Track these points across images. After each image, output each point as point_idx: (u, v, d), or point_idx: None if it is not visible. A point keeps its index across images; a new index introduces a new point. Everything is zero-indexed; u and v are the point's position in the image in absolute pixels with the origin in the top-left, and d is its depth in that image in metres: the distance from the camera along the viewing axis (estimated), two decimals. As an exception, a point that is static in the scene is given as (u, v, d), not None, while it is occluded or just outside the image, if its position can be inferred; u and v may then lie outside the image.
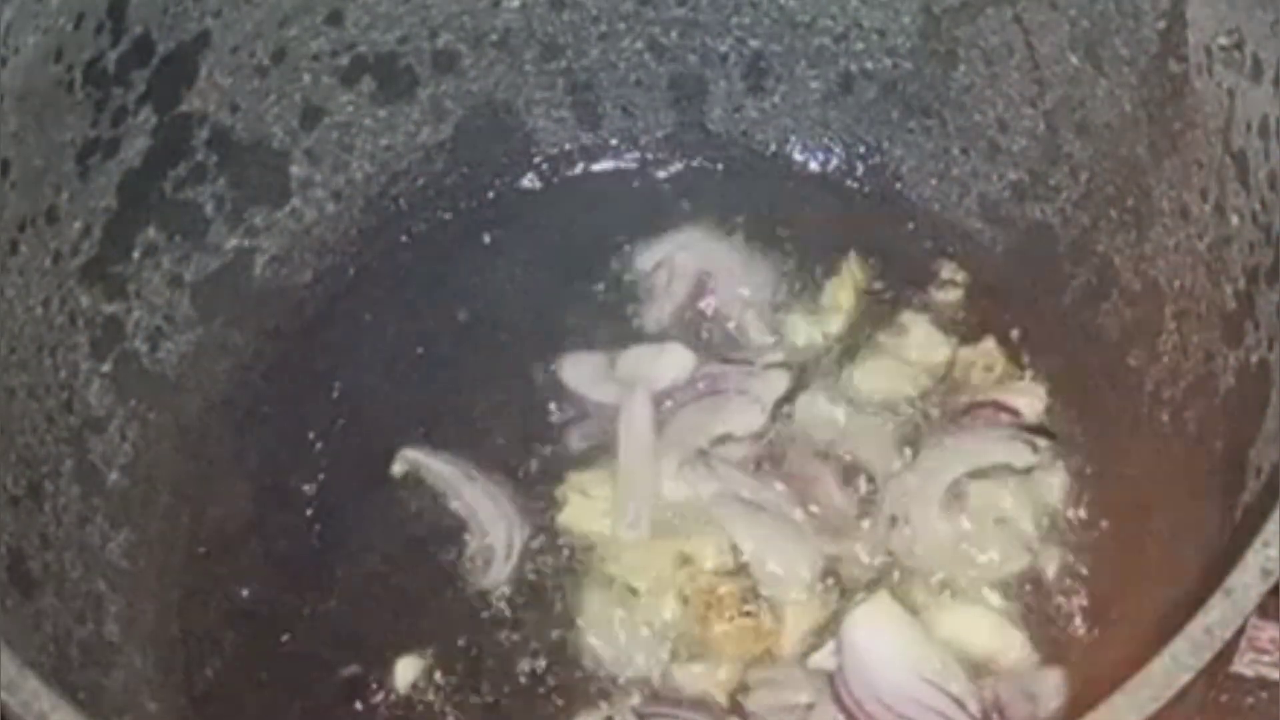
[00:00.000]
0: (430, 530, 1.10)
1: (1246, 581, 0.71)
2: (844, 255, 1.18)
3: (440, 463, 1.11)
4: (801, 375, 1.14)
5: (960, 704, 0.99)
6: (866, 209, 1.22)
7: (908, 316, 1.16)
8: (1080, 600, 1.05)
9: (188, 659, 1.05)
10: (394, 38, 1.16)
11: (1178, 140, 0.99)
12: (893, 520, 1.08)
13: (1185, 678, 0.68)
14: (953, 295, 1.18)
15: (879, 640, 1.01)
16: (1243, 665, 0.99)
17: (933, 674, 1.00)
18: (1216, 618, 0.70)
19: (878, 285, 1.18)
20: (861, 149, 1.22)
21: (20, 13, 0.93)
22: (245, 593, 1.08)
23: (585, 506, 1.09)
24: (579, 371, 1.15)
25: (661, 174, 1.25)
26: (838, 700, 1.00)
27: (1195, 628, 0.69)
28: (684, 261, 1.19)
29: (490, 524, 1.09)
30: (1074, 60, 1.07)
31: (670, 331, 1.17)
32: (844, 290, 1.17)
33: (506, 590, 1.07)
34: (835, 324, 1.16)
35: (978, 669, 1.02)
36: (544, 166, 1.25)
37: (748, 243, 1.20)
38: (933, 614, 1.04)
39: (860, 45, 1.18)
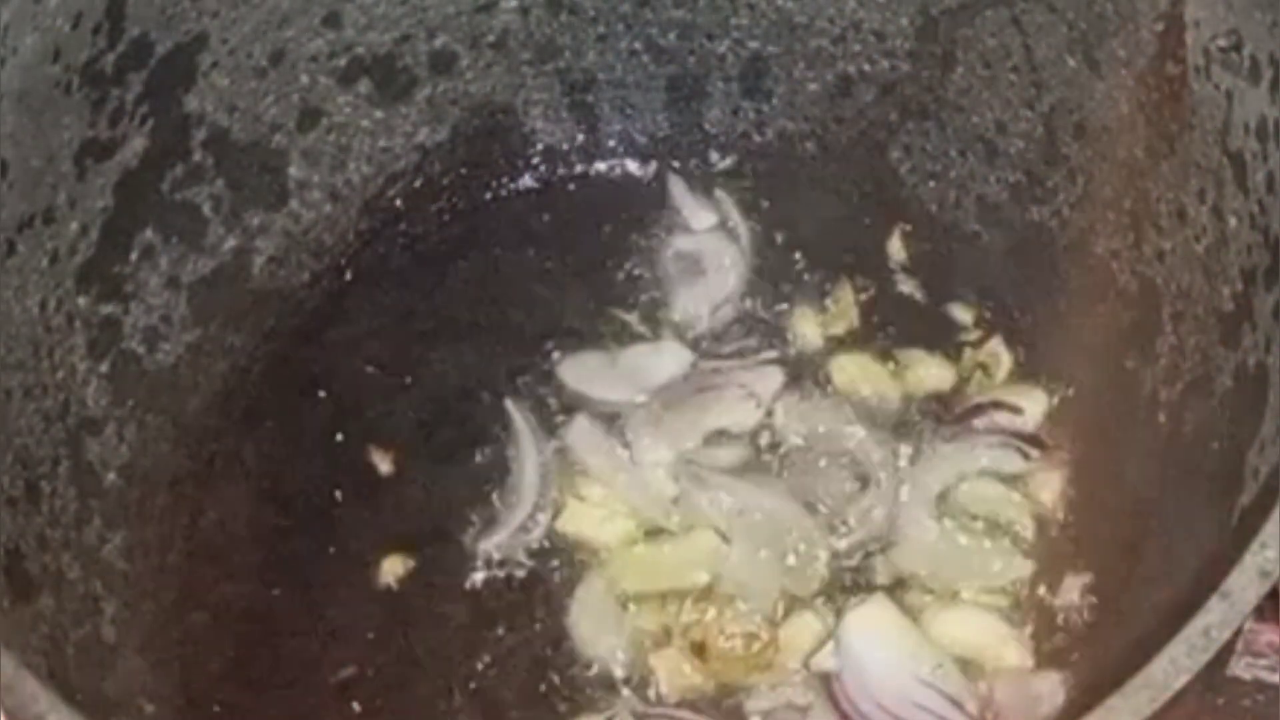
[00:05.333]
0: (426, 530, 1.10)
1: (1244, 584, 0.71)
2: (840, 256, 1.19)
3: (523, 420, 1.12)
4: (798, 373, 1.14)
5: (958, 705, 0.99)
6: (864, 211, 1.22)
7: (906, 354, 1.15)
8: (1077, 602, 1.05)
9: (185, 660, 1.05)
10: (391, 39, 1.16)
11: (1175, 142, 0.99)
12: (887, 523, 1.08)
13: (1183, 679, 0.68)
14: (950, 297, 1.18)
15: (876, 643, 1.01)
16: (1240, 669, 0.99)
17: (930, 676, 1.00)
18: (1214, 619, 0.70)
19: (875, 288, 1.18)
20: (859, 151, 1.22)
21: (18, 13, 0.92)
22: (243, 594, 1.08)
23: (581, 511, 1.09)
24: (579, 371, 1.15)
25: (659, 175, 1.25)
26: (834, 703, 1.00)
27: (1193, 630, 0.69)
28: (682, 256, 1.20)
29: (526, 491, 1.09)
30: (1071, 62, 1.07)
31: (664, 324, 1.17)
32: (845, 298, 1.17)
33: (506, 590, 1.07)
34: (838, 328, 1.16)
35: (975, 671, 1.02)
36: (542, 168, 1.25)
37: (744, 243, 1.21)
38: (930, 616, 1.04)
39: (858, 47, 1.18)
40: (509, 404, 1.13)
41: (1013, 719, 1.00)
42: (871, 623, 1.02)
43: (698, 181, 1.24)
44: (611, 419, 1.13)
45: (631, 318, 1.18)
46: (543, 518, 1.09)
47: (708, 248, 1.21)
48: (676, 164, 1.25)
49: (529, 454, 1.11)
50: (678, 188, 1.23)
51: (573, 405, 1.14)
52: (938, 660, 1.00)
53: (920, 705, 0.99)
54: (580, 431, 1.12)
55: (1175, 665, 0.68)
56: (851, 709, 1.00)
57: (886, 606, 1.03)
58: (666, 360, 1.15)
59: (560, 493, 1.10)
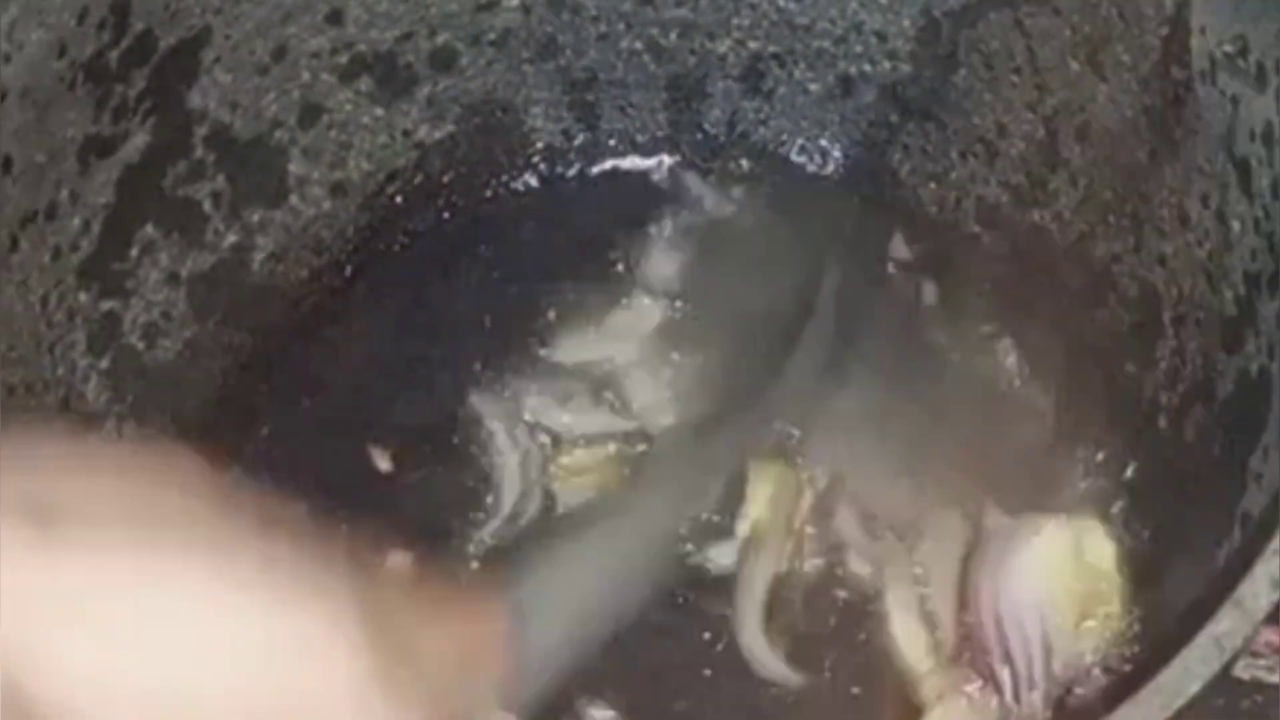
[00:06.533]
0: (425, 529, 1.09)
1: (1256, 591, 0.71)
2: (840, 257, 1.19)
3: (497, 417, 1.13)
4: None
5: (1047, 654, 0.97)
6: (864, 212, 1.22)
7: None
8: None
9: (184, 658, 1.05)
10: (393, 36, 1.16)
11: (1179, 147, 0.99)
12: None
13: (1195, 687, 0.68)
14: (948, 298, 1.18)
15: (1037, 557, 0.99)
16: (1239, 669, 0.99)
17: (1049, 610, 0.98)
18: (1226, 628, 0.70)
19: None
20: (860, 152, 1.22)
21: (25, 9, 0.92)
22: (242, 592, 1.08)
23: (570, 479, 1.10)
24: (572, 350, 1.16)
25: (658, 175, 1.25)
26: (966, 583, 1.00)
27: (1205, 637, 0.70)
28: (680, 253, 1.20)
29: (508, 487, 1.10)
30: (1075, 65, 1.07)
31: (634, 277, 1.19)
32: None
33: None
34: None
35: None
36: (542, 166, 1.25)
37: (744, 243, 1.21)
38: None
39: (860, 48, 1.18)
40: (473, 399, 1.13)
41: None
42: (1046, 540, 1.00)
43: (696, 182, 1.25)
44: (603, 382, 1.13)
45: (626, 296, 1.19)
46: (533, 501, 1.10)
47: (705, 248, 1.21)
48: (677, 163, 1.25)
49: (505, 445, 1.11)
50: (693, 180, 1.23)
51: (569, 392, 1.14)
52: (1066, 610, 0.98)
53: (1020, 627, 0.97)
54: (570, 410, 1.13)
55: (1188, 672, 0.68)
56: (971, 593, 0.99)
57: (1063, 532, 1.00)
58: (647, 316, 1.16)
59: (547, 474, 1.11)
